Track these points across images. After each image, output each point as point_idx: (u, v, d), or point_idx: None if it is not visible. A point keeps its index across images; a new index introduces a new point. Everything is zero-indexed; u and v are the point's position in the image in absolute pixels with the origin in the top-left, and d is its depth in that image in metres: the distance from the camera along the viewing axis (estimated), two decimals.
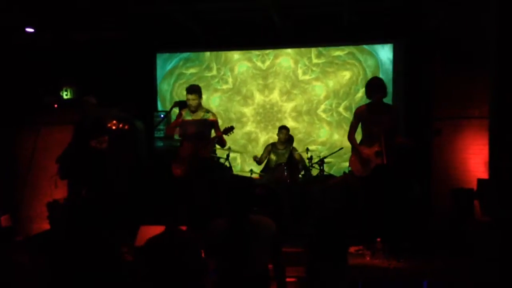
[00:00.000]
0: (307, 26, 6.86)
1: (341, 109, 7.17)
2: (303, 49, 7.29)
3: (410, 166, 5.64)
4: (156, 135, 6.38)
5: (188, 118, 5.08)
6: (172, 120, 5.38)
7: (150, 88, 7.43)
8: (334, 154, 6.41)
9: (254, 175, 6.41)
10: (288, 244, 4.43)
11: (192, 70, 7.59)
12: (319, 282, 3.38)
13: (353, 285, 4.03)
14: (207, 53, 7.55)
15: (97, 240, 3.05)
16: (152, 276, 2.92)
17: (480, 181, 5.71)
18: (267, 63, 7.40)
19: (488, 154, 4.19)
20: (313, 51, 7.25)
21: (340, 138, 7.11)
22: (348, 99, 7.16)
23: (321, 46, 7.17)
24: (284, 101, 7.36)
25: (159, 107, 7.49)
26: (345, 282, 3.69)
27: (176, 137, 5.26)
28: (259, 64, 7.43)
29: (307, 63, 7.28)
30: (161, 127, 6.16)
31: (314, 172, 6.15)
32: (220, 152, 6.31)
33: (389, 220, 4.59)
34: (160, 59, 7.63)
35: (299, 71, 7.31)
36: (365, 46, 7.10)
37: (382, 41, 6.93)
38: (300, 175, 6.06)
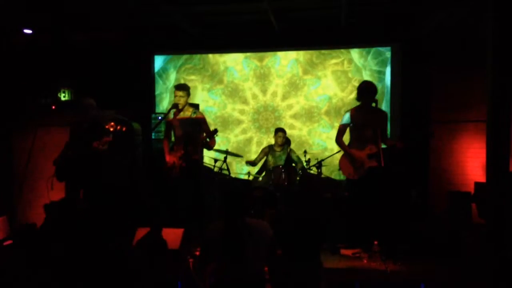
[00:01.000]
0: (304, 28, 6.87)
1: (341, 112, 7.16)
2: (302, 51, 7.29)
3: (407, 169, 5.66)
4: (154, 137, 6.38)
5: (175, 118, 5.09)
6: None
7: (148, 90, 7.42)
8: (331, 157, 6.42)
9: (251, 177, 6.42)
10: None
11: (189, 71, 7.58)
12: (291, 283, 3.37)
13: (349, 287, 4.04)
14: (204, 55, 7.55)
15: (96, 244, 3.06)
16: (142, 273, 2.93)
17: (477, 185, 5.73)
18: (266, 64, 7.40)
19: (485, 157, 4.19)
20: (314, 53, 7.24)
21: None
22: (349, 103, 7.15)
23: (318, 48, 7.17)
24: (282, 103, 7.35)
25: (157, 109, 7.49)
26: (320, 284, 3.68)
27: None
28: (257, 65, 7.42)
29: (307, 65, 7.27)
30: (159, 129, 6.16)
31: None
32: (217, 155, 6.31)
33: (386, 222, 4.60)
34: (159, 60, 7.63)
35: (299, 73, 7.30)
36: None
37: (379, 44, 6.95)
38: (297, 178, 6.06)
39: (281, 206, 5.50)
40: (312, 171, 6.06)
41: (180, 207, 5.02)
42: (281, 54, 7.36)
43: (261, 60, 7.41)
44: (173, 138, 5.25)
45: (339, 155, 5.81)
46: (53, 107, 6.65)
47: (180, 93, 5.01)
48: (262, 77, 7.39)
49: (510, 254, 3.89)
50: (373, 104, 4.78)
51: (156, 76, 7.56)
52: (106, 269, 3.01)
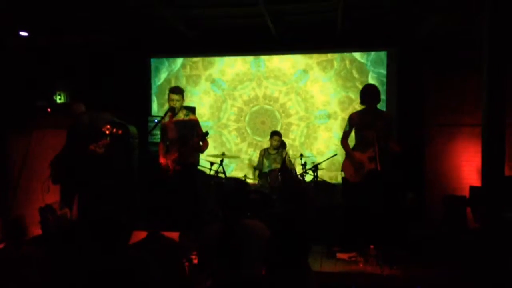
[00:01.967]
0: (300, 32, 6.89)
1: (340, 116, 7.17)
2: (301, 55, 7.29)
3: (403, 172, 5.67)
4: (150, 140, 6.36)
5: (170, 121, 5.09)
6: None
7: (144, 93, 7.41)
8: (327, 160, 6.44)
9: (248, 181, 6.42)
10: None
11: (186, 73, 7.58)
12: None
13: None
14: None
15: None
16: None
17: (472, 189, 5.75)
18: (264, 67, 7.39)
19: (481, 161, 4.21)
20: (314, 56, 7.24)
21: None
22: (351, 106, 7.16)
23: (315, 52, 7.19)
24: (280, 106, 7.36)
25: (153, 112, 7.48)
26: None
27: None
28: (255, 68, 7.42)
29: (306, 68, 7.28)
30: (156, 132, 6.14)
31: (308, 178, 6.15)
32: (213, 159, 6.30)
33: (382, 226, 4.60)
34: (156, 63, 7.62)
35: (298, 76, 7.30)
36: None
37: (375, 48, 6.97)
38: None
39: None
40: (308, 175, 6.07)
41: (175, 210, 5.00)
42: (282, 56, 7.36)
43: (258, 62, 7.39)
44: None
45: (334, 159, 5.84)
46: (49, 109, 6.62)
47: (175, 96, 5.00)
48: (261, 80, 7.37)
49: (508, 259, 3.90)
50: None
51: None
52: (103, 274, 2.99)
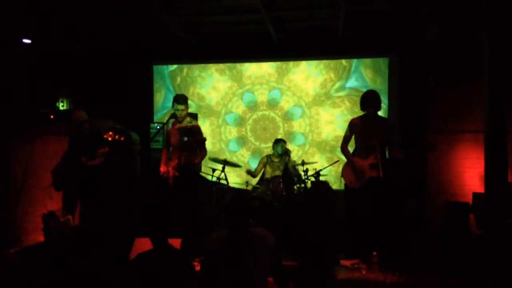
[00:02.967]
0: (302, 39, 6.92)
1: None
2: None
3: (405, 179, 5.66)
4: (152, 146, 6.37)
5: (173, 127, 5.15)
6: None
7: (147, 99, 7.43)
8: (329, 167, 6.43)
9: (249, 188, 6.40)
10: (287, 257, 4.42)
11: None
12: None
13: None
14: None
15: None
16: None
17: (475, 195, 5.74)
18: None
19: (484, 168, 4.20)
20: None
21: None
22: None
23: (316, 59, 7.20)
24: (285, 114, 7.37)
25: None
26: None
27: None
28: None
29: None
30: (158, 138, 6.16)
31: (310, 185, 6.13)
32: (215, 165, 6.30)
33: (385, 233, 4.59)
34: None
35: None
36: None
37: (377, 54, 6.98)
38: (295, 187, 6.06)
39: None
40: (310, 181, 6.05)
41: (176, 217, 5.00)
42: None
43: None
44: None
45: (336, 165, 5.81)
46: (52, 116, 6.65)
47: (181, 106, 5.05)
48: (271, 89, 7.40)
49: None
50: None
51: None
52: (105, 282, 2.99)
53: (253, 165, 7.07)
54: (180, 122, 5.13)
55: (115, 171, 5.39)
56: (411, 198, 5.82)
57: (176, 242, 4.19)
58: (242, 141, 7.46)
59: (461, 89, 6.21)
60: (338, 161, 6.37)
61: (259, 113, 7.42)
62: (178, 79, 7.52)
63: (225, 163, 6.07)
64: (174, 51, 7.28)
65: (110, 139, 4.83)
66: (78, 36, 6.62)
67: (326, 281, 2.57)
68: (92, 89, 6.86)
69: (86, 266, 3.01)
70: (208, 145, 5.84)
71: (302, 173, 6.07)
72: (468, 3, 5.12)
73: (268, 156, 6.48)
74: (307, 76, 7.24)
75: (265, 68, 7.36)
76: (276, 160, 6.38)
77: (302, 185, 6.06)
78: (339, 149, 5.20)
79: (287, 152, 6.47)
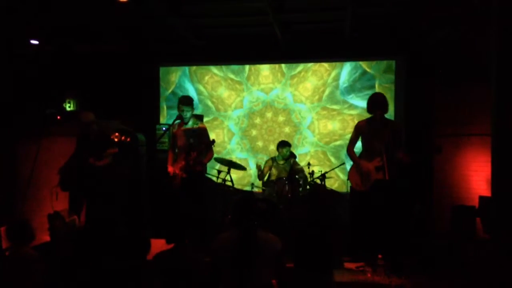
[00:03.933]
0: (309, 41, 6.92)
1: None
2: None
3: (411, 182, 5.64)
4: (158, 147, 6.39)
5: (179, 129, 5.15)
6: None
7: (153, 101, 7.46)
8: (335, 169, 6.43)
9: (256, 189, 6.41)
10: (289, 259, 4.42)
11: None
12: None
13: None
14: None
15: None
16: None
17: (482, 199, 5.70)
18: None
19: (491, 171, 4.17)
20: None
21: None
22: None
23: (322, 61, 7.19)
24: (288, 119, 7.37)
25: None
26: None
27: None
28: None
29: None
30: (164, 140, 6.17)
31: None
32: (220, 167, 6.31)
33: (391, 236, 4.57)
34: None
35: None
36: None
37: (384, 57, 6.97)
38: (300, 189, 6.06)
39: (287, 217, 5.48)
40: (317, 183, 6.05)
41: (182, 218, 4.99)
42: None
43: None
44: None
45: (342, 168, 5.79)
46: (58, 117, 6.68)
47: (186, 108, 5.06)
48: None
49: None
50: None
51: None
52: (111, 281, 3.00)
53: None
54: (186, 123, 5.14)
55: (121, 172, 5.41)
56: (417, 201, 5.80)
57: None
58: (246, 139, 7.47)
59: (468, 92, 6.17)
60: (344, 163, 6.36)
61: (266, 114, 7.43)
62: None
63: (230, 164, 6.08)
64: (181, 53, 7.31)
65: (116, 140, 4.86)
66: (85, 38, 6.66)
67: (322, 284, 2.58)
68: (99, 91, 6.89)
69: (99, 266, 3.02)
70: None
71: (308, 176, 6.07)
72: (476, 6, 5.10)
73: (273, 159, 6.48)
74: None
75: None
76: (282, 162, 6.37)
77: (308, 187, 6.06)
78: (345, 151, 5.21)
79: (292, 155, 6.47)
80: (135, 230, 4.82)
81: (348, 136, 5.54)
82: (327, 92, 7.18)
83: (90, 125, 5.17)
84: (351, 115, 7.07)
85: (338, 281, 4.20)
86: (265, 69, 7.37)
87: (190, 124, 5.14)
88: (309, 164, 6.17)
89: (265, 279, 2.80)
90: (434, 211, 6.18)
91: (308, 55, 7.10)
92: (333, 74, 7.16)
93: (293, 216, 5.58)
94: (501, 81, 4.12)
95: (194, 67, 7.52)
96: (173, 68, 7.59)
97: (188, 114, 5.09)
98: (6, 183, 6.68)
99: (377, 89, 6.88)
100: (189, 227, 3.52)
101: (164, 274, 2.99)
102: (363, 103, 6.56)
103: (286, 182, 5.92)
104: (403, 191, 5.09)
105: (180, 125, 5.16)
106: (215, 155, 5.62)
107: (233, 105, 7.48)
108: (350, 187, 5.07)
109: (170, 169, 5.12)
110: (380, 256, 4.40)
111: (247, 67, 7.40)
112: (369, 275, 4.34)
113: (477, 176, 6.05)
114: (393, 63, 6.93)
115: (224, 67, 7.47)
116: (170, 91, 7.58)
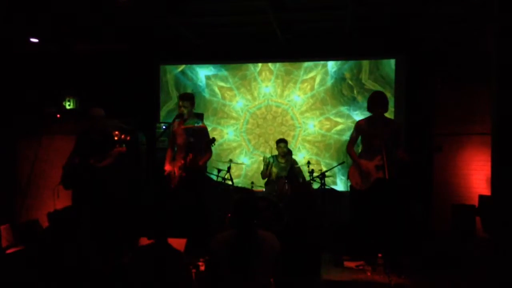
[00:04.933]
0: (308, 40, 6.92)
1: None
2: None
3: (411, 181, 5.65)
4: (158, 146, 6.39)
5: (179, 127, 5.11)
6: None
7: (153, 100, 7.46)
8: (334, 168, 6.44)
9: (255, 188, 6.42)
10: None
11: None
12: None
13: None
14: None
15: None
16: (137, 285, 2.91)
17: (481, 198, 5.71)
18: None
19: (491, 170, 4.17)
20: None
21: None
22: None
23: (322, 60, 7.19)
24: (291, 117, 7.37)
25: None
26: None
27: None
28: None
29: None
30: (164, 138, 6.17)
31: (316, 185, 6.14)
32: (221, 165, 6.32)
33: (390, 235, 4.58)
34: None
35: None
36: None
37: (384, 56, 6.97)
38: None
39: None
40: (316, 182, 6.06)
41: (181, 217, 5.00)
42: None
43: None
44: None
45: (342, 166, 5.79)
46: (58, 115, 6.68)
47: (185, 103, 5.03)
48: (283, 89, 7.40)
49: None
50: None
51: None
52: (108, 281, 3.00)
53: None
54: (185, 120, 5.10)
55: (120, 171, 5.41)
56: (417, 200, 5.80)
57: (181, 242, 4.21)
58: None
59: (468, 90, 6.18)
60: (343, 162, 6.36)
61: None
62: None
63: (230, 161, 6.08)
64: (181, 52, 7.31)
65: (116, 138, 4.85)
66: (85, 37, 6.65)
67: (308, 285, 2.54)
68: (99, 89, 6.90)
69: (87, 264, 3.02)
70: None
71: (308, 174, 6.07)
72: (476, 6, 5.10)
73: (274, 157, 6.47)
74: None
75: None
76: (282, 160, 6.37)
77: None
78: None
79: (290, 153, 6.48)
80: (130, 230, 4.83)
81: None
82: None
83: (102, 118, 5.15)
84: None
85: (338, 280, 4.21)
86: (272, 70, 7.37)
87: (190, 122, 5.11)
88: (308, 162, 6.17)
89: (263, 278, 2.80)
90: (434, 210, 6.19)
91: (308, 54, 7.10)
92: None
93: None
94: (501, 80, 4.11)
95: None
96: None
97: (187, 110, 5.06)
98: (6, 181, 6.69)
99: None
100: (183, 225, 3.52)
101: (142, 269, 2.96)
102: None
103: (286, 181, 5.93)
104: (403, 190, 5.09)
105: (180, 123, 5.14)
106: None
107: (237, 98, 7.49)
108: (350, 186, 5.08)
109: (167, 167, 5.09)
110: (380, 255, 4.40)
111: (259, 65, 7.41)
112: (369, 274, 4.35)
113: (477, 175, 6.06)
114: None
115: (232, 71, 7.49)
116: (180, 69, 7.57)
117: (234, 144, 7.44)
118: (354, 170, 4.88)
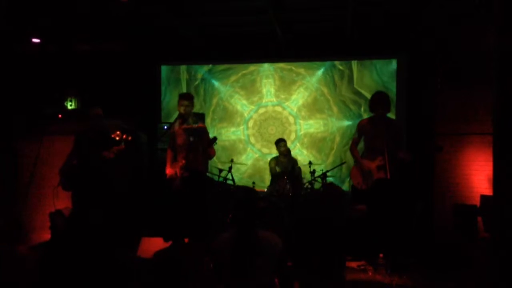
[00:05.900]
0: (309, 40, 6.91)
1: None
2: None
3: (412, 181, 5.64)
4: (159, 146, 6.38)
5: (179, 127, 5.08)
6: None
7: (154, 100, 7.46)
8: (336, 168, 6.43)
9: (256, 188, 6.40)
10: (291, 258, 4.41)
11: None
12: None
13: None
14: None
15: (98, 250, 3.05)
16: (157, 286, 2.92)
17: (483, 197, 5.69)
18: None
19: (492, 169, 4.16)
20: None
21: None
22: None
23: (323, 60, 7.19)
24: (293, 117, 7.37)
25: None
26: None
27: None
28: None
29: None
30: (166, 138, 6.17)
31: (317, 186, 6.13)
32: (222, 165, 6.31)
33: (392, 235, 4.57)
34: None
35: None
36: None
37: (385, 56, 6.96)
38: (305, 186, 6.06)
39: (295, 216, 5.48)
40: (317, 182, 6.05)
41: (184, 218, 4.99)
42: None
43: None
44: None
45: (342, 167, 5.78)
46: (59, 116, 6.68)
47: (185, 102, 5.01)
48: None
49: None
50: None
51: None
52: (110, 279, 3.00)
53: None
54: (186, 120, 5.09)
55: (122, 171, 5.41)
56: (418, 200, 5.79)
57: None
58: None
59: (469, 90, 6.16)
60: (344, 162, 6.35)
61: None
62: None
63: (231, 161, 6.07)
64: (182, 52, 7.31)
65: (117, 138, 4.85)
66: (87, 37, 6.65)
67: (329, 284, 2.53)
68: (100, 89, 6.89)
69: (92, 263, 3.02)
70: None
71: (309, 174, 6.06)
72: (476, 5, 5.09)
73: (276, 157, 6.47)
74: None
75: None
76: (284, 160, 6.37)
77: (309, 185, 6.05)
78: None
79: (289, 151, 6.48)
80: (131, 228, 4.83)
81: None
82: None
83: (102, 119, 5.16)
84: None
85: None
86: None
87: (190, 122, 5.10)
88: (310, 162, 6.16)
89: (266, 279, 2.79)
90: (435, 210, 6.17)
91: (308, 54, 7.09)
92: None
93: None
94: (503, 80, 4.10)
95: None
96: None
97: (187, 110, 5.04)
98: (7, 182, 6.69)
99: None
100: (187, 226, 3.51)
101: (161, 272, 2.98)
102: None
103: (287, 180, 5.92)
104: (405, 190, 5.09)
105: (180, 123, 5.13)
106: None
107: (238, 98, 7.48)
108: (352, 186, 5.07)
109: (168, 171, 5.05)
110: (381, 255, 4.39)
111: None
112: (370, 273, 4.34)
113: (478, 175, 6.04)
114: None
115: None
116: (180, 69, 7.57)
117: (235, 144, 7.44)
118: (356, 170, 4.88)
